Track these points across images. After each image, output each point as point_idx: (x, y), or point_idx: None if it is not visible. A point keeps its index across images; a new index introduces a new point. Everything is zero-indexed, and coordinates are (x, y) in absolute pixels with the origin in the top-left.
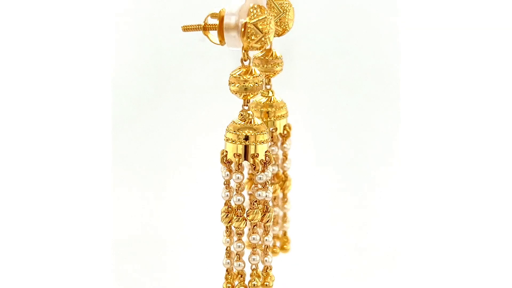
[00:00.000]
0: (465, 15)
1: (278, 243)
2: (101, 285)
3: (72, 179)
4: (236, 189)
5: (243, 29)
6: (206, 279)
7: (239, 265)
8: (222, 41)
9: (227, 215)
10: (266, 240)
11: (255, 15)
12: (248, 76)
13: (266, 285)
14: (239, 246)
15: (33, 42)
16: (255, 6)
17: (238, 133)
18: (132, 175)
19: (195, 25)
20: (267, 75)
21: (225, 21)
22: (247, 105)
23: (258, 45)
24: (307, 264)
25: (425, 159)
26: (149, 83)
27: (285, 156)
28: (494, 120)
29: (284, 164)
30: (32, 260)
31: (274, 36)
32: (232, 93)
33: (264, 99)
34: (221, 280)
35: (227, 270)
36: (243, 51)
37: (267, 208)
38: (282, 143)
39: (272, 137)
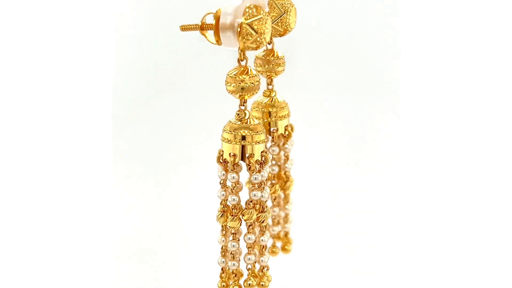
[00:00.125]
0: (465, 15)
1: (279, 244)
2: (101, 285)
3: (72, 178)
4: (231, 189)
5: (239, 29)
6: (206, 279)
7: (233, 264)
8: (218, 41)
9: (223, 214)
10: (262, 240)
11: (250, 15)
12: (245, 76)
13: (262, 285)
14: (233, 246)
15: (33, 42)
16: (251, 6)
17: (234, 133)
18: (132, 175)
19: (192, 25)
20: (269, 75)
21: (221, 20)
22: (243, 105)
23: (253, 45)
24: (307, 264)
25: (425, 159)
26: (149, 83)
27: (286, 156)
28: (494, 120)
29: (286, 165)
30: (32, 260)
31: (275, 36)
32: (229, 93)
33: (266, 99)
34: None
35: (222, 269)
36: (240, 51)
37: (263, 208)
38: (284, 144)
39: (272, 137)
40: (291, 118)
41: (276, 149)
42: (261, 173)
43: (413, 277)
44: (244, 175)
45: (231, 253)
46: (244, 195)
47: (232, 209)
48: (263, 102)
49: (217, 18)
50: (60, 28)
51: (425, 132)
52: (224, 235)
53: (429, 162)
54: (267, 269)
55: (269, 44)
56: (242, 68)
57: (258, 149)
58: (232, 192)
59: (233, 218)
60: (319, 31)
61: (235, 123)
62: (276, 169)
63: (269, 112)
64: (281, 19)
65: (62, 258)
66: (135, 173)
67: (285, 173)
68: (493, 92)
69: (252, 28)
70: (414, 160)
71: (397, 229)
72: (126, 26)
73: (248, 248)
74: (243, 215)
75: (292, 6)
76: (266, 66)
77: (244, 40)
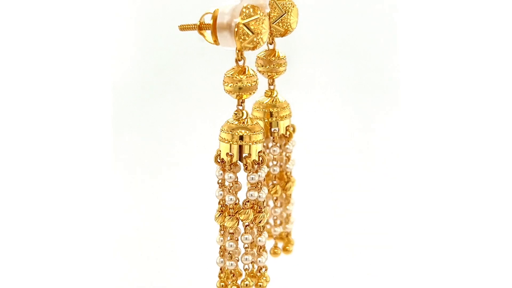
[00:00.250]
0: (465, 15)
1: (280, 244)
2: (101, 285)
3: (72, 178)
4: (229, 189)
5: (235, 29)
6: (205, 279)
7: (231, 264)
8: (216, 41)
9: (221, 214)
10: (259, 241)
11: (247, 15)
12: (242, 76)
13: (260, 285)
14: (231, 246)
15: (33, 42)
16: (248, 6)
17: (232, 133)
18: (131, 175)
19: (191, 25)
20: (271, 75)
21: (218, 20)
22: (241, 105)
23: (250, 46)
24: (307, 264)
25: (425, 159)
26: (148, 83)
27: (287, 157)
28: (494, 119)
29: (287, 165)
30: (32, 260)
31: (277, 36)
32: (226, 92)
33: (267, 100)
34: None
35: (220, 269)
36: (237, 51)
37: (260, 208)
38: (285, 144)
39: (273, 137)
40: (292, 118)
41: (277, 149)
42: (258, 173)
43: (413, 277)
44: (243, 175)
45: (229, 253)
46: (243, 195)
47: (230, 209)
48: (265, 102)
49: (214, 18)
50: (60, 28)
51: (425, 133)
52: (222, 235)
53: (429, 162)
54: (266, 270)
55: (270, 44)
56: (239, 68)
57: (255, 149)
58: (230, 191)
59: (231, 217)
60: (320, 31)
61: (232, 123)
62: (277, 169)
63: (271, 112)
64: (282, 19)
65: (63, 258)
66: (135, 173)
67: (286, 174)
68: (494, 90)
69: (249, 28)
70: (414, 160)
71: (397, 229)
72: (126, 26)
73: (246, 248)
74: (240, 215)
75: (293, 6)
76: (268, 66)
77: (240, 40)
